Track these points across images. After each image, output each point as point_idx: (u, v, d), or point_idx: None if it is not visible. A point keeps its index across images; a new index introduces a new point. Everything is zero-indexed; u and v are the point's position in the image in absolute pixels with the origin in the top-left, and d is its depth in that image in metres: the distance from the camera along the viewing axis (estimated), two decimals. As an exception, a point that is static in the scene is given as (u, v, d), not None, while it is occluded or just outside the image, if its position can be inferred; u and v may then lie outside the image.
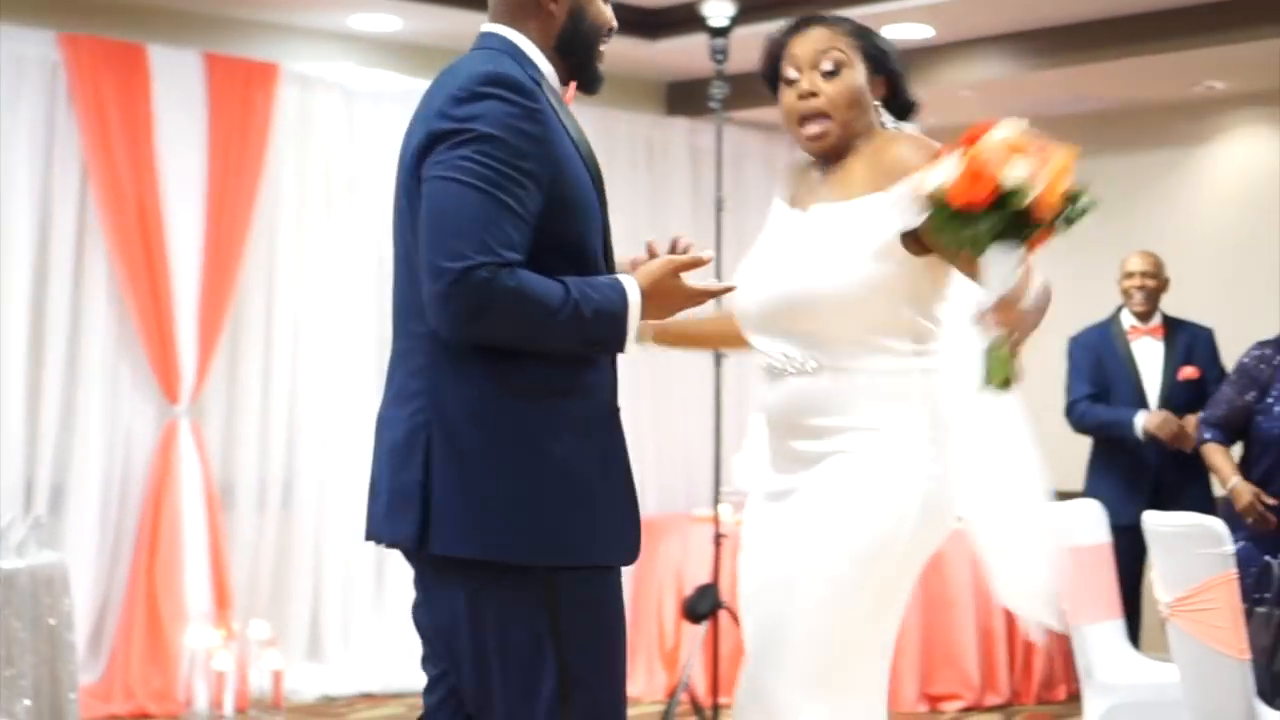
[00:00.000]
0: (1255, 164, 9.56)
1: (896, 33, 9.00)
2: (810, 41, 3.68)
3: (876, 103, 3.70)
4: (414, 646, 9.01)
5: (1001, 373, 3.26)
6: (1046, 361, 9.87)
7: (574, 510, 3.16)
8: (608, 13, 3.36)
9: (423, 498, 3.15)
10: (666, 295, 3.24)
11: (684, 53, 8.95)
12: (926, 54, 9.36)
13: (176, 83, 8.40)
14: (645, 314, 3.20)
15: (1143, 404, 7.74)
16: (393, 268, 3.33)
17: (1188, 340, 7.85)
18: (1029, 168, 3.24)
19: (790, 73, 3.68)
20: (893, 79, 3.73)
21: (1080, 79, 9.22)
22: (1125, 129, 10.00)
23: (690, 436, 9.81)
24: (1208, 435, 6.53)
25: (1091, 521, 6.23)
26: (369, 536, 3.36)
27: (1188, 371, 7.77)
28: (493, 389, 3.14)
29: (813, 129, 3.64)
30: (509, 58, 3.26)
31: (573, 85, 3.37)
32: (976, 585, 7.91)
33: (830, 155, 3.68)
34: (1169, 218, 9.79)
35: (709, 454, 8.56)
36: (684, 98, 10.12)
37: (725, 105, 7.82)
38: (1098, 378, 7.87)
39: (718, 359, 8.04)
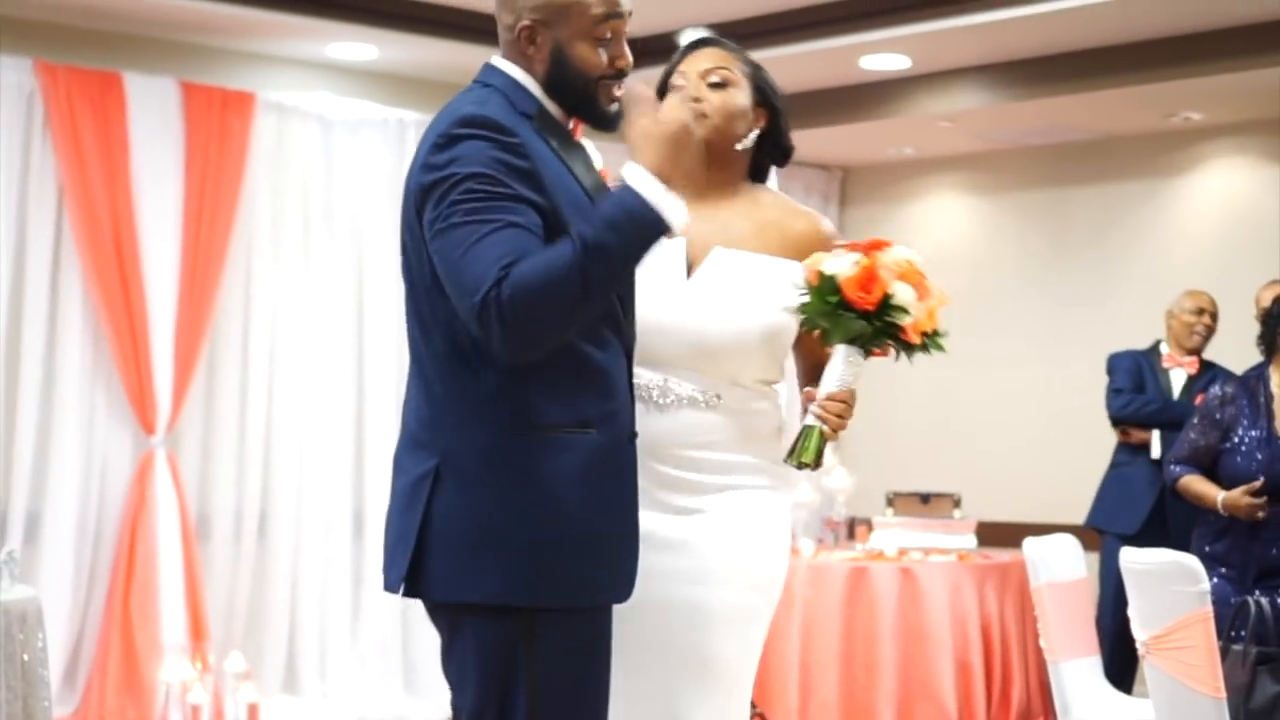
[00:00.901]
0: (1232, 195, 9.58)
1: (874, 63, 9.03)
2: (703, 58, 3.76)
3: (755, 133, 3.78)
4: (388, 678, 8.91)
5: (812, 454, 3.53)
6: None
7: (567, 554, 3.15)
8: (597, 58, 3.25)
9: (416, 543, 3.16)
10: (672, 142, 3.14)
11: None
12: (904, 84, 9.38)
13: (153, 111, 8.38)
14: (665, 171, 3.12)
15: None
16: (409, 323, 3.32)
17: (1211, 379, 7.91)
18: (913, 296, 3.52)
19: (679, 81, 3.74)
20: (774, 114, 3.82)
21: (1057, 110, 9.24)
22: (1102, 159, 10.02)
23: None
24: (1178, 470, 6.52)
25: (1069, 557, 6.22)
26: (385, 586, 3.32)
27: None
28: (501, 432, 3.14)
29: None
30: (500, 95, 3.23)
31: (576, 122, 3.34)
32: (953, 617, 7.90)
33: (707, 165, 3.67)
34: (1146, 249, 9.81)
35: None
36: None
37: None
38: (1137, 381, 7.97)
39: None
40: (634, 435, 3.30)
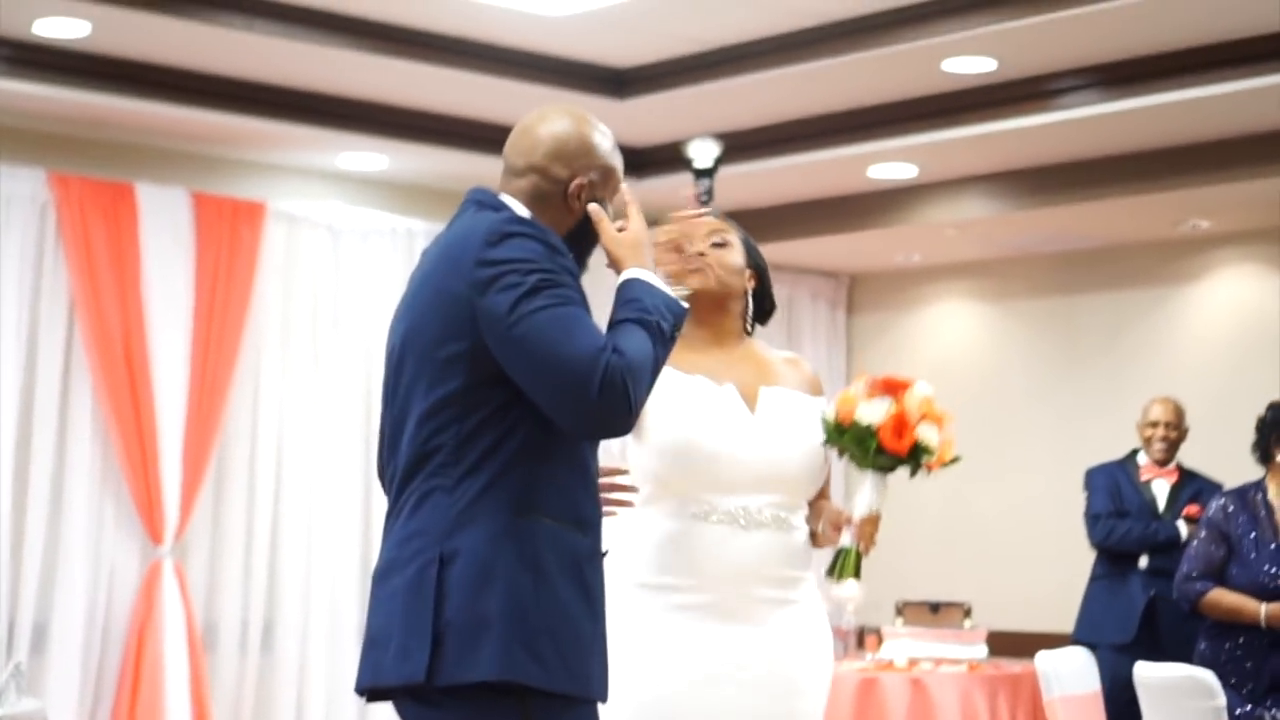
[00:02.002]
0: (1242, 303, 9.59)
1: (882, 172, 9.07)
2: (703, 223, 4.16)
3: (748, 288, 4.18)
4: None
5: (851, 570, 3.98)
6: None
7: (569, 641, 3.22)
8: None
9: (434, 630, 3.18)
10: (645, 247, 3.42)
11: (669, 191, 8.98)
12: (911, 193, 9.42)
13: (164, 221, 8.42)
14: (650, 268, 3.41)
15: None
16: (382, 435, 3.43)
17: (1196, 490, 7.88)
18: (936, 432, 4.02)
19: (684, 245, 4.12)
20: (762, 276, 4.22)
21: (1064, 218, 9.27)
22: (1111, 268, 10.04)
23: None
24: (1201, 586, 6.48)
25: (1082, 670, 6.18)
26: (371, 689, 3.33)
27: (1191, 510, 7.77)
28: (507, 516, 3.21)
29: (692, 266, 4.09)
30: (515, 213, 3.36)
31: None
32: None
33: (705, 311, 4.10)
34: (1156, 357, 9.80)
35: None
36: (670, 237, 10.16)
37: (711, 244, 7.83)
38: (1117, 502, 7.92)
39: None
40: (606, 552, 3.41)
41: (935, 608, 8.59)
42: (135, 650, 8.20)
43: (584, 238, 3.41)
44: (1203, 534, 6.57)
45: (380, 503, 8.85)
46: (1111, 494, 7.94)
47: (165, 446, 8.28)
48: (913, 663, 8.15)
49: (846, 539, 3.99)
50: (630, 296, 3.32)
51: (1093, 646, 7.45)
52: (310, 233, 9.02)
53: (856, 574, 3.98)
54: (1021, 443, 10.25)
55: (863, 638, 8.87)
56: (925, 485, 10.41)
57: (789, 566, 4.01)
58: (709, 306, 4.08)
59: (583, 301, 3.24)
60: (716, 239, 4.12)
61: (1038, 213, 9.17)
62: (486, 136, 8.63)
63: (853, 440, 4.02)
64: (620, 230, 3.41)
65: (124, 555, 8.31)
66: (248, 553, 8.70)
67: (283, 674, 8.72)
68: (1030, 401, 10.30)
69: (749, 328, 4.20)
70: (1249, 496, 6.52)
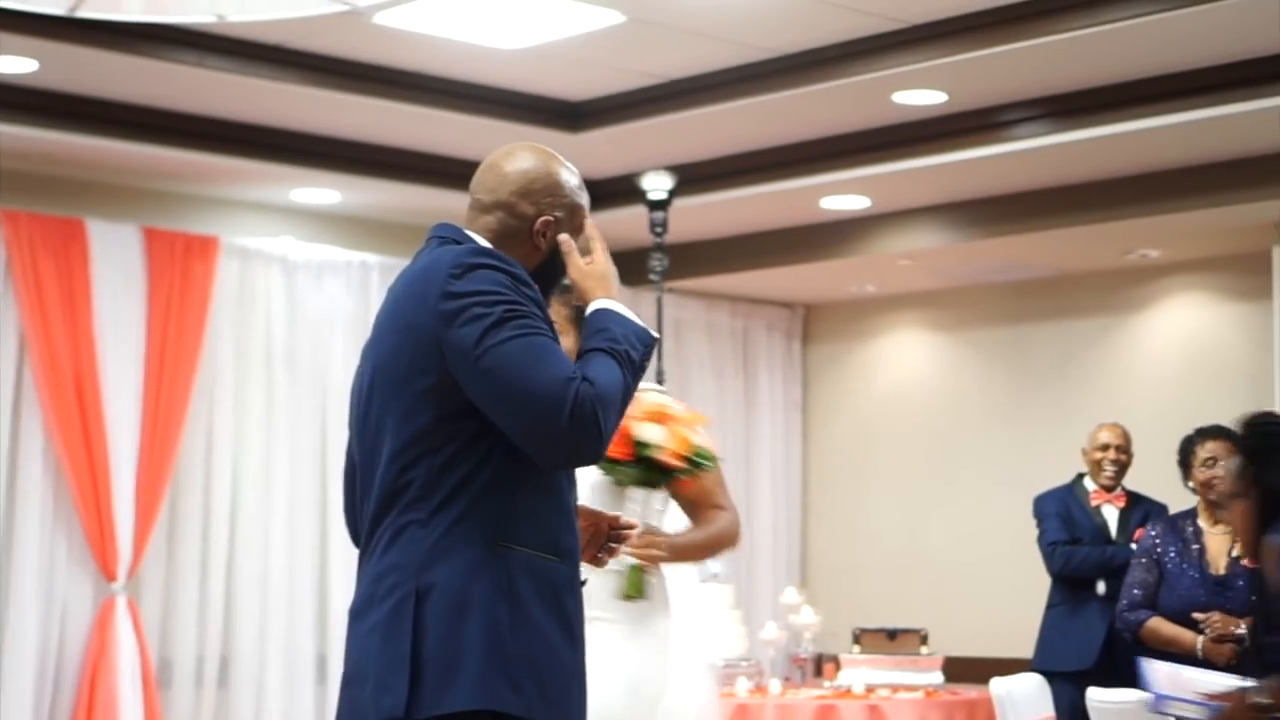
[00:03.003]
0: (1189, 330, 9.65)
1: (835, 203, 9.10)
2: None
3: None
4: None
5: (634, 588, 4.15)
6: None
7: (548, 670, 3.23)
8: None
9: (412, 664, 3.19)
10: (612, 279, 3.47)
11: (624, 223, 9.00)
12: (864, 224, 9.46)
13: (115, 257, 8.40)
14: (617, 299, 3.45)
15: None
16: (350, 473, 3.43)
17: (1144, 513, 7.90)
18: (660, 431, 4.16)
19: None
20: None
21: (1015, 248, 9.32)
22: (1061, 297, 10.10)
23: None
24: (1141, 615, 6.55)
25: (1035, 696, 6.20)
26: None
27: (1140, 533, 7.80)
28: (481, 547, 3.22)
29: None
30: (479, 244, 3.38)
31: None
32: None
33: None
34: (1104, 384, 9.86)
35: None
36: (624, 267, 10.04)
37: (665, 275, 7.87)
38: (1070, 529, 7.88)
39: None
40: (584, 581, 3.40)
41: (892, 634, 8.60)
42: (89, 687, 8.16)
43: (551, 272, 3.43)
44: (1139, 562, 6.66)
45: (337, 536, 8.88)
46: (1064, 521, 7.94)
47: (118, 482, 8.25)
48: (870, 689, 8.16)
49: (627, 558, 4.12)
50: (599, 326, 3.34)
51: (1051, 675, 7.47)
52: (264, 267, 9.01)
53: (639, 591, 4.20)
54: (975, 470, 10.29)
55: (820, 665, 8.88)
56: (879, 512, 10.47)
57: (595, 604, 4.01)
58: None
59: (551, 332, 3.25)
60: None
61: (989, 243, 9.22)
62: (441, 170, 8.64)
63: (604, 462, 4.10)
64: (587, 263, 3.42)
65: (77, 591, 8.27)
66: (203, 589, 8.66)
67: (239, 710, 8.69)
68: (983, 429, 10.35)
69: None
70: (1179, 524, 6.65)
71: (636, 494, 4.18)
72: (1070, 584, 7.87)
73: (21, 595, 8.11)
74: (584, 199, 3.49)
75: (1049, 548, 7.87)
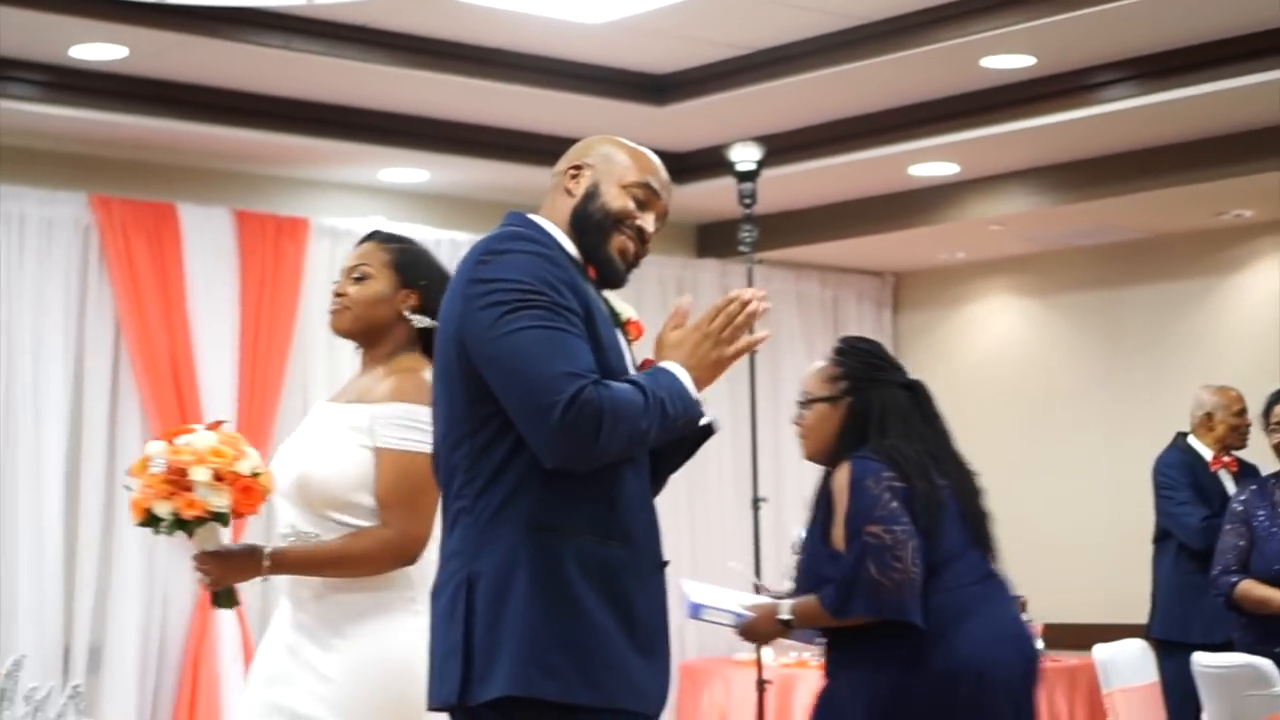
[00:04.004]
0: (1286, 290, 9.55)
1: (923, 170, 9.05)
2: (354, 254, 4.24)
3: (403, 312, 4.15)
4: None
5: (225, 601, 4.20)
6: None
7: (593, 654, 3.20)
8: (626, 206, 3.42)
9: (464, 650, 3.21)
10: (704, 358, 3.35)
11: (713, 195, 8.99)
12: (953, 190, 9.40)
13: (208, 240, 8.46)
14: (698, 383, 3.33)
15: None
16: (433, 446, 3.45)
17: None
18: (138, 488, 4.06)
19: (337, 279, 4.26)
20: (423, 291, 4.13)
21: (1106, 210, 9.23)
22: (1153, 259, 10.00)
23: (729, 581, 9.71)
24: (1235, 579, 6.48)
25: (1139, 662, 6.15)
26: (429, 707, 3.38)
27: None
28: (520, 533, 3.21)
29: (333, 308, 4.22)
30: (522, 228, 3.39)
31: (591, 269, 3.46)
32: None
33: (358, 343, 4.24)
34: (1201, 347, 9.76)
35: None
36: (714, 239, 10.17)
37: (754, 246, 7.85)
38: (1204, 499, 7.71)
39: (756, 513, 7.97)
40: (663, 564, 3.38)
41: (989, 603, 8.55)
42: (191, 670, 8.23)
43: (588, 219, 3.40)
44: (1230, 527, 6.59)
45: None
46: (1197, 491, 7.73)
47: (216, 464, 8.30)
48: (969, 659, 8.12)
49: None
50: (651, 375, 3.29)
51: (1170, 644, 7.36)
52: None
53: (218, 604, 4.20)
54: (1069, 435, 10.22)
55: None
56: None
57: (319, 581, 4.06)
58: (358, 343, 4.22)
59: (575, 323, 3.21)
60: (357, 274, 4.17)
61: (1080, 206, 9.15)
62: (528, 146, 8.65)
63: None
64: (674, 328, 3.39)
65: (178, 575, 8.33)
66: (300, 568, 8.70)
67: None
68: (1077, 394, 10.27)
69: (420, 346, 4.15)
70: (1267, 486, 6.59)
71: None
72: (1205, 556, 7.72)
73: (123, 580, 8.19)
74: (629, 150, 3.46)
75: (1202, 523, 7.62)
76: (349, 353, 8.88)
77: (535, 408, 3.14)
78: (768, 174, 8.39)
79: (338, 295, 4.19)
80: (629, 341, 3.49)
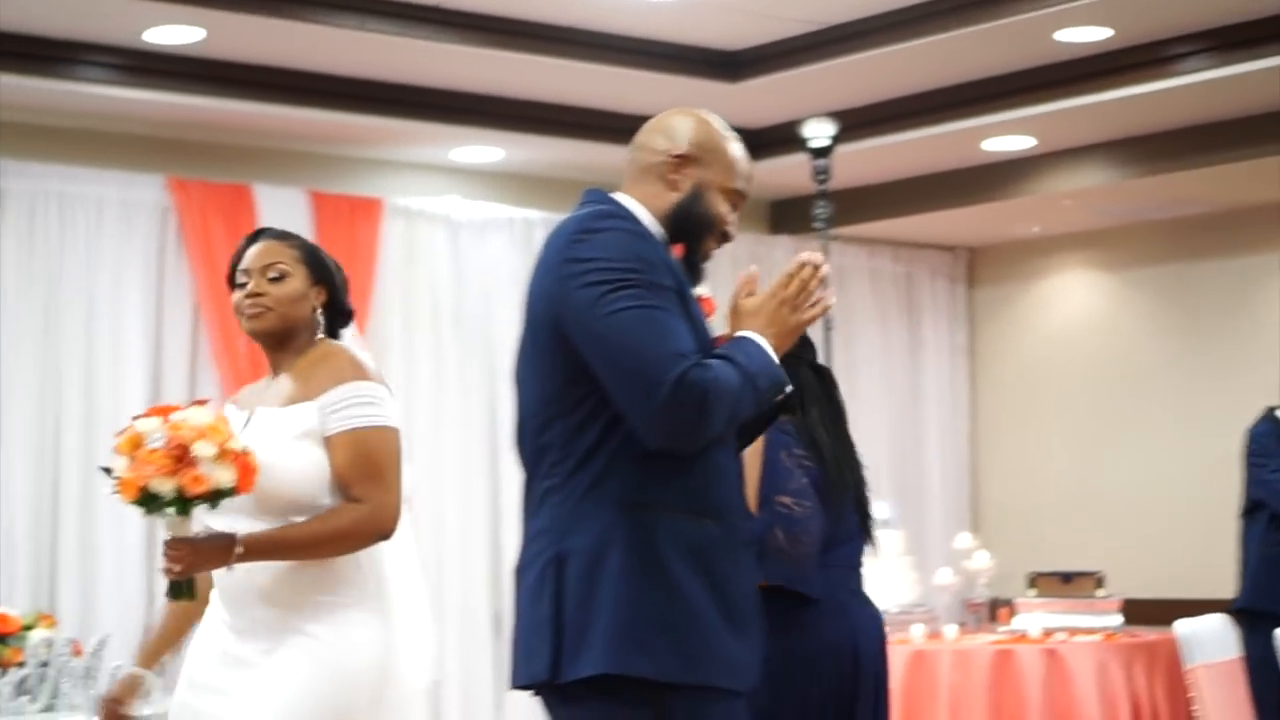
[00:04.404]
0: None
1: (997, 144, 9.01)
2: (261, 254, 4.09)
3: (317, 307, 4.09)
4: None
5: (167, 589, 3.83)
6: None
7: (687, 631, 3.20)
8: (724, 211, 3.42)
9: (554, 628, 3.21)
10: (781, 324, 3.36)
11: (786, 171, 8.98)
12: (1028, 164, 9.35)
13: (283, 220, 8.39)
14: (776, 350, 3.34)
15: None
16: (516, 425, 3.43)
17: None
18: (124, 467, 3.80)
19: (242, 278, 4.10)
20: (330, 287, 4.11)
21: (1183, 184, 9.17)
22: (1230, 232, 9.92)
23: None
24: None
25: (1223, 638, 6.12)
26: (514, 685, 3.38)
27: None
28: (614, 512, 3.21)
29: (254, 310, 4.03)
30: (611, 206, 3.37)
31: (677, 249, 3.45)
32: (1102, 698, 7.77)
33: (273, 343, 4.07)
34: (1275, 320, 9.68)
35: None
36: (787, 216, 10.15)
37: (829, 222, 7.84)
38: None
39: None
40: (749, 541, 3.39)
41: (1067, 577, 8.53)
42: (272, 647, 8.28)
43: (690, 219, 3.38)
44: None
45: (509, 492, 8.96)
46: None
47: (293, 444, 8.35)
48: (1047, 633, 8.10)
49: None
50: (738, 348, 3.29)
51: (1258, 615, 7.32)
52: (428, 227, 9.08)
53: (173, 594, 3.82)
54: (1147, 408, 10.16)
55: (995, 610, 8.82)
56: (1052, 455, 10.40)
57: (288, 590, 3.82)
58: (272, 344, 4.05)
59: (673, 302, 3.22)
60: (273, 273, 4.06)
61: (1156, 180, 9.09)
62: (601, 124, 8.65)
63: None
64: (748, 296, 3.38)
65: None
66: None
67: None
68: (1154, 368, 10.20)
69: (325, 335, 4.10)
70: None
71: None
72: None
73: (203, 558, 8.24)
74: (722, 145, 3.43)
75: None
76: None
77: (640, 389, 3.14)
78: (841, 149, 8.39)
79: (255, 296, 4.03)
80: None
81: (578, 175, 9.11)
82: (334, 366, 3.95)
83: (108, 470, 3.81)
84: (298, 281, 4.06)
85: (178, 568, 3.76)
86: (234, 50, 7.77)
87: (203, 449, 3.71)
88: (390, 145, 8.87)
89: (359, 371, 3.93)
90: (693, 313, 3.29)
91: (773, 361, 3.29)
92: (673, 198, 3.38)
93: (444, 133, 8.62)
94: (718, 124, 3.45)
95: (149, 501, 3.73)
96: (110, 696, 4.17)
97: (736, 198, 3.43)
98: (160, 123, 8.32)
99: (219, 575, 3.87)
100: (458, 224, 9.16)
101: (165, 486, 3.72)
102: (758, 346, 3.28)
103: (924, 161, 9.43)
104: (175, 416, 3.79)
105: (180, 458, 3.72)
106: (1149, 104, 8.23)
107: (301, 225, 8.55)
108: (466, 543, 8.94)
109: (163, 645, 4.22)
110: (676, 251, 3.38)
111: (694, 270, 3.41)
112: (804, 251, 3.42)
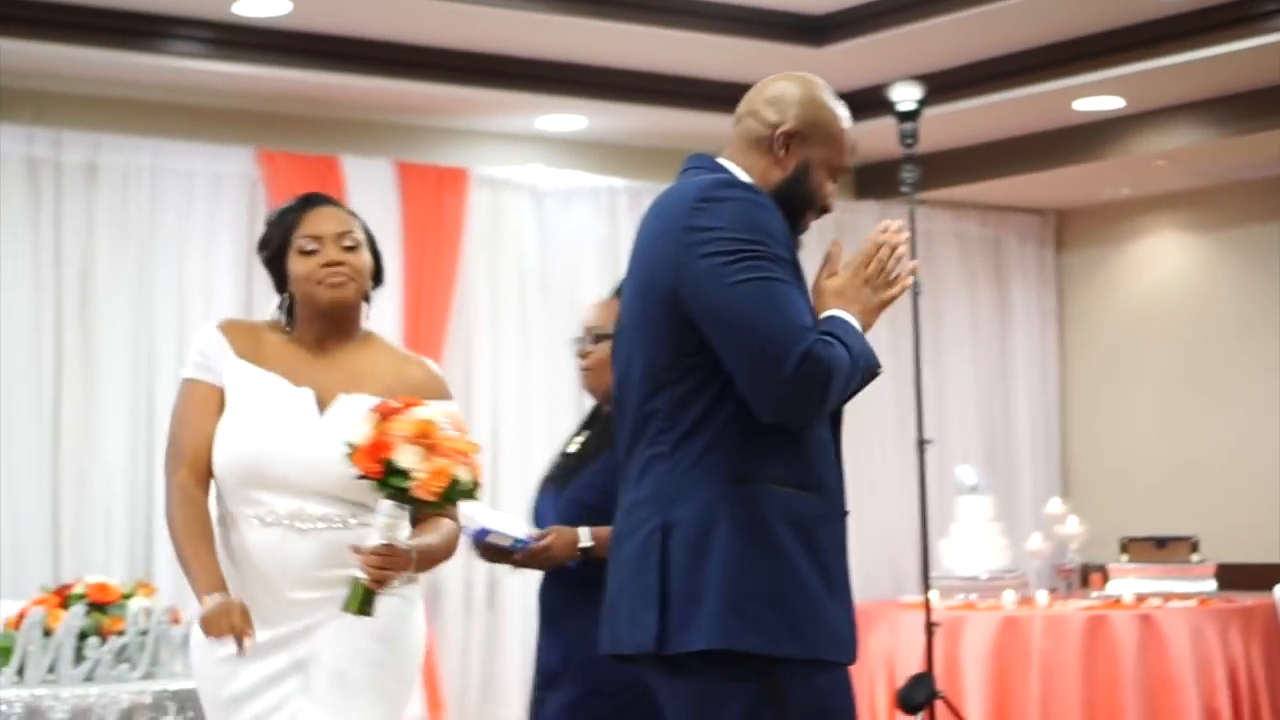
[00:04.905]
0: None
1: (1087, 105, 8.93)
2: (331, 220, 3.94)
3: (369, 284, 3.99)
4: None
5: (356, 604, 3.63)
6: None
7: (796, 604, 3.19)
8: (828, 191, 3.42)
9: (660, 598, 3.21)
10: (864, 303, 3.35)
11: (872, 135, 8.91)
12: (1118, 124, 9.26)
13: (370, 192, 8.54)
14: (866, 324, 3.35)
15: None
16: (616, 394, 3.43)
17: None
18: (418, 458, 3.60)
19: (310, 244, 3.91)
20: (378, 261, 4.03)
21: (1275, 143, 9.06)
22: (1324, 191, 9.82)
23: (894, 522, 9.70)
24: None
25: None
26: (612, 652, 3.38)
27: None
28: (720, 484, 3.20)
29: (338, 279, 3.87)
30: (727, 175, 3.35)
31: None
32: (1197, 664, 7.72)
33: (342, 319, 3.92)
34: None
35: (914, 539, 8.43)
36: (873, 181, 10.09)
37: (916, 187, 7.79)
38: None
39: (922, 455, 7.92)
40: (845, 513, 3.37)
41: (1161, 543, 8.48)
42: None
43: (795, 194, 3.36)
44: None
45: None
46: None
47: (382, 413, 8.39)
48: (1140, 599, 8.06)
49: (357, 571, 3.63)
50: (834, 326, 3.27)
51: None
52: (513, 196, 9.10)
53: (361, 608, 3.63)
54: (1241, 371, 10.06)
55: (1086, 576, 8.78)
56: (1144, 420, 10.29)
57: (343, 566, 3.68)
58: (341, 319, 3.91)
59: (791, 275, 3.21)
60: (348, 241, 3.92)
61: (1249, 139, 8.98)
62: (685, 91, 8.63)
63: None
64: (829, 276, 3.37)
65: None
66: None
67: (508, 634, 8.82)
68: (1248, 329, 10.09)
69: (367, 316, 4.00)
70: None
71: (384, 505, 3.66)
72: None
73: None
74: (832, 121, 3.41)
75: None
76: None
77: (765, 363, 3.14)
78: (928, 113, 8.32)
79: (335, 265, 3.88)
80: None
81: (661, 143, 9.11)
82: (435, 379, 3.95)
83: (391, 470, 3.60)
84: (367, 254, 3.96)
85: (393, 575, 3.64)
86: (321, 22, 7.80)
87: (469, 446, 3.67)
88: (475, 115, 8.89)
89: (448, 392, 3.95)
90: (804, 287, 3.29)
91: (865, 340, 3.30)
92: (777, 174, 3.36)
93: (528, 101, 8.62)
94: (828, 96, 3.43)
95: (453, 493, 3.63)
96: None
97: (840, 172, 3.43)
98: (249, 95, 8.37)
99: (280, 561, 3.77)
100: (543, 193, 9.17)
101: (467, 476, 3.65)
102: (852, 326, 3.28)
103: (1012, 123, 9.35)
104: (419, 413, 3.64)
105: (462, 452, 3.66)
106: (1241, 61, 8.13)
107: (388, 196, 8.60)
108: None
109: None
110: None
111: (795, 226, 3.40)
112: (886, 220, 3.42)
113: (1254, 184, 10.06)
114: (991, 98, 8.69)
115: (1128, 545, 8.54)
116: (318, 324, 3.92)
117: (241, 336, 3.94)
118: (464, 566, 8.77)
